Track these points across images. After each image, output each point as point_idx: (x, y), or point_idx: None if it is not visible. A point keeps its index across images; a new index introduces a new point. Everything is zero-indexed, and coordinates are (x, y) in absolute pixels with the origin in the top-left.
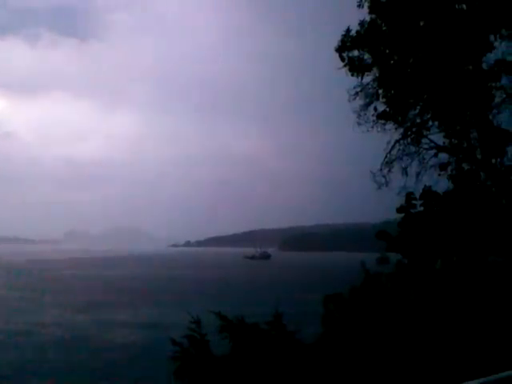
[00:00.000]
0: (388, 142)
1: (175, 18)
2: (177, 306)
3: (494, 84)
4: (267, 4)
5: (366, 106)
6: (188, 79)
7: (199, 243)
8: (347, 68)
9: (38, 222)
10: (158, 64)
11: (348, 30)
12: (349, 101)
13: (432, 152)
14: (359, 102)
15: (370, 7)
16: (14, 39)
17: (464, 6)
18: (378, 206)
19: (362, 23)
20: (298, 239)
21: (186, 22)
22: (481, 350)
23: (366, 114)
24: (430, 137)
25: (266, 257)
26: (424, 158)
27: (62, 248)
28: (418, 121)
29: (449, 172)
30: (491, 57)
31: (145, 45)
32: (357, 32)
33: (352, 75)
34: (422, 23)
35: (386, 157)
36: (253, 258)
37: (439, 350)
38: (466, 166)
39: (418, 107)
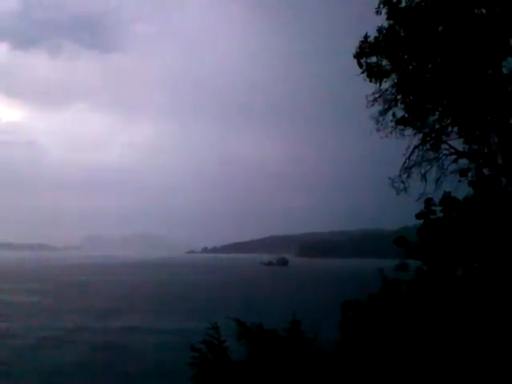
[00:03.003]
0: (407, 148)
1: (194, 29)
2: (196, 312)
3: None
4: (284, 15)
5: (385, 111)
6: (205, 87)
7: (216, 249)
8: (365, 74)
9: (58, 229)
10: (176, 74)
11: (366, 37)
12: (367, 107)
13: (452, 158)
14: (377, 107)
15: (387, 13)
16: (37, 51)
17: (483, 11)
18: (396, 213)
19: (380, 29)
20: (316, 245)
21: (204, 32)
22: (505, 360)
23: (384, 120)
24: (449, 142)
25: (283, 263)
26: (443, 164)
27: (81, 254)
28: (438, 126)
29: (469, 178)
30: (511, 61)
31: (164, 56)
32: (375, 38)
33: (370, 81)
34: (440, 28)
35: (405, 162)
36: (270, 264)
37: (460, 359)
38: (486, 172)
39: (437, 113)
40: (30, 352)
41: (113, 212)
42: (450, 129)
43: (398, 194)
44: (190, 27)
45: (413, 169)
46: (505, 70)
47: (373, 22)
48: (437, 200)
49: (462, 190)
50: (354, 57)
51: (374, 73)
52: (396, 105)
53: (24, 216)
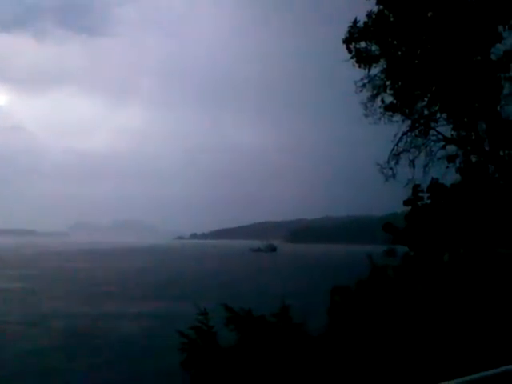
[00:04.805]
0: (395, 134)
1: (182, 13)
2: (184, 298)
3: (502, 75)
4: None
5: (374, 97)
6: (194, 73)
7: (205, 236)
8: (354, 60)
9: (45, 215)
10: (165, 59)
11: (355, 22)
12: (356, 92)
13: (440, 144)
14: (366, 93)
15: None
16: (22, 34)
17: None
18: (385, 199)
19: (369, 14)
20: (305, 231)
21: (192, 17)
22: (489, 343)
23: (373, 106)
24: (437, 129)
25: (272, 249)
26: (432, 150)
27: (68, 240)
28: (426, 113)
29: (457, 164)
30: (500, 47)
31: (152, 40)
32: (364, 23)
33: (359, 67)
34: (429, 14)
35: (394, 149)
36: (259, 250)
37: (446, 343)
38: (474, 158)
39: (426, 99)
40: (14, 340)
41: (101, 198)
42: (438, 115)
43: (386, 180)
44: (180, 12)
45: (401, 155)
46: (493, 57)
47: (362, 7)
48: (425, 186)
49: (450, 176)
50: (343, 42)
51: (362, 58)
52: (385, 91)
53: (11, 202)
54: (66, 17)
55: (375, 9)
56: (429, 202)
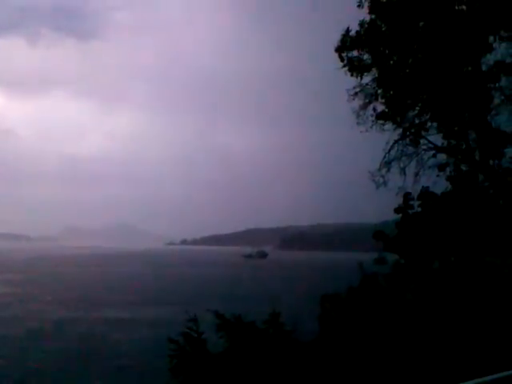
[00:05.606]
0: (387, 143)
1: (176, 17)
2: (177, 303)
3: (492, 85)
4: (267, 3)
5: (365, 106)
6: (187, 78)
7: (196, 242)
8: (347, 68)
9: (35, 219)
10: (157, 63)
11: (348, 30)
12: (348, 101)
13: (430, 153)
14: (358, 102)
15: (369, 7)
16: (15, 37)
17: (464, 7)
18: (377, 206)
19: (361, 23)
20: (296, 238)
21: (186, 21)
22: (478, 350)
23: (365, 114)
24: (428, 137)
25: (262, 255)
26: (422, 159)
27: (58, 245)
28: (417, 121)
29: (447, 173)
30: (490, 58)
31: (145, 44)
32: (356, 32)
33: (351, 75)
34: (421, 24)
35: (385, 157)
36: (250, 256)
37: (436, 350)
38: (464, 167)
39: (417, 108)
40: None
41: (91, 203)
42: (429, 124)
43: (377, 187)
44: (173, 17)
45: (392, 163)
46: (484, 67)
47: (355, 16)
48: (416, 194)
49: (441, 185)
50: (336, 50)
51: (355, 67)
52: (376, 99)
53: (2, 206)
54: (60, 20)
55: (367, 18)
56: (419, 209)
